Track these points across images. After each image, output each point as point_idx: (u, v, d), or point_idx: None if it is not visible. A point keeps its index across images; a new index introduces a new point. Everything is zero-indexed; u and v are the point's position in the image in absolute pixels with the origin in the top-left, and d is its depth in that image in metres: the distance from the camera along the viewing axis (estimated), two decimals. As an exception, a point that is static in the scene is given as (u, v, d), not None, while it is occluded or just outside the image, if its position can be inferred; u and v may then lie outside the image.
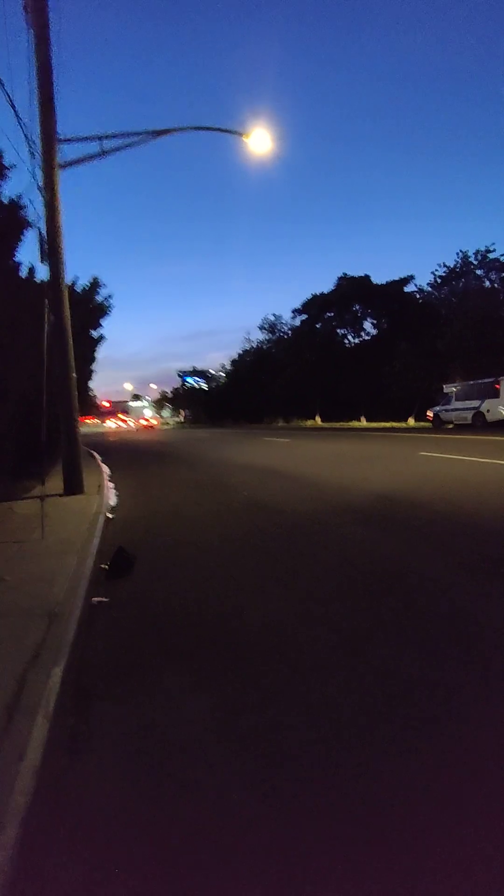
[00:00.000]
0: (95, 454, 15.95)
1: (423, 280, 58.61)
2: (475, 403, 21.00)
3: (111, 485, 8.54)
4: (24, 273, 10.12)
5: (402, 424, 30.33)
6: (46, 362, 5.96)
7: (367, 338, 42.50)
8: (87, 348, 19.15)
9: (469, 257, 31.80)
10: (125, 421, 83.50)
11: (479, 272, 31.70)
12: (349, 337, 43.74)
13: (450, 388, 23.21)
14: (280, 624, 2.67)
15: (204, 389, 77.43)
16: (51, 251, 6.95)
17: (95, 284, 18.41)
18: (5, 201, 8.44)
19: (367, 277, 41.64)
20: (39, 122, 6.92)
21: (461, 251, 32.42)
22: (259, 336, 56.85)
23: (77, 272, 23.75)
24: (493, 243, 34.46)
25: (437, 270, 34.27)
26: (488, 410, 20.32)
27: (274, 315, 56.01)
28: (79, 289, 18.06)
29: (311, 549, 4.07)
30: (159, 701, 2.01)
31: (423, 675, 2.08)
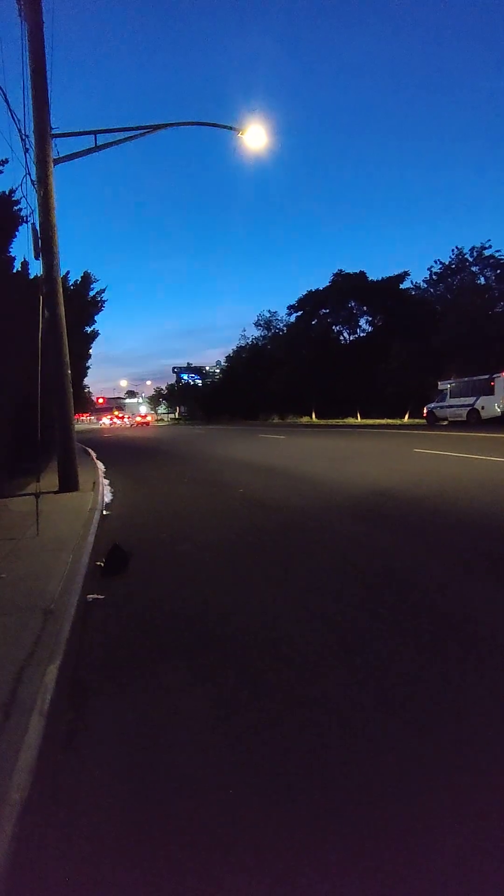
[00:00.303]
0: (91, 451, 15.91)
1: (419, 276, 58.78)
2: (470, 400, 21.09)
3: (106, 481, 8.53)
4: (17, 268, 10.05)
5: (397, 421, 30.39)
6: (41, 359, 5.92)
7: (362, 335, 42.51)
8: (82, 344, 19.04)
9: (464, 254, 31.92)
10: (120, 418, 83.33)
11: (474, 269, 31.81)
12: (344, 333, 43.76)
13: (445, 385, 23.29)
14: (277, 620, 2.67)
15: (199, 386, 77.35)
16: (45, 247, 6.90)
17: (87, 279, 18.27)
18: (-2, 196, 8.38)
19: (362, 274, 41.59)
20: (33, 117, 6.86)
21: (457, 247, 32.55)
22: (254, 332, 56.90)
23: (71, 268, 23.52)
24: (489, 240, 34.72)
25: (432, 267, 34.42)
26: (483, 407, 20.42)
27: (269, 311, 56.11)
28: (70, 283, 17.91)
29: (307, 545, 4.08)
30: (156, 697, 2.01)
31: (419, 671, 2.10)
